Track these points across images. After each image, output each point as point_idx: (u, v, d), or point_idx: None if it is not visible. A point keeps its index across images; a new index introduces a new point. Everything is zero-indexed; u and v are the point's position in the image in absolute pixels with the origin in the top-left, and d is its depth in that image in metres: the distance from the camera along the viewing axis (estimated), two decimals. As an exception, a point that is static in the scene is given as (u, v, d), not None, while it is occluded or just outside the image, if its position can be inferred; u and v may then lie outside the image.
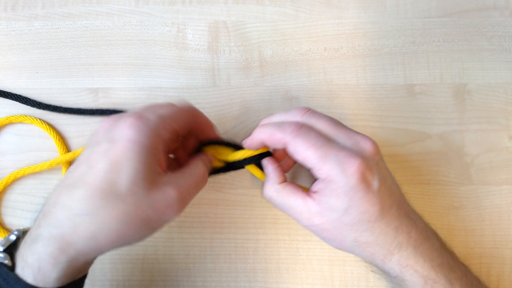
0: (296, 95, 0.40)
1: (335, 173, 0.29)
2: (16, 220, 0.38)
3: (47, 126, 0.39)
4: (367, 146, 0.30)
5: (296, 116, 0.31)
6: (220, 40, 0.41)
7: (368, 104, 0.40)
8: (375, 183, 0.29)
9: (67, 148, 0.39)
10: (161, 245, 0.38)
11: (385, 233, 0.30)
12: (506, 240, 0.38)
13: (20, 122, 0.39)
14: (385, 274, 0.32)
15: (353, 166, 0.28)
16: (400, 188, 0.32)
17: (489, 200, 0.39)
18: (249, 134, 0.39)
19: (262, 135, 0.31)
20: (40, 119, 0.39)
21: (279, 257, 0.38)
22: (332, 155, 0.29)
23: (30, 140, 0.39)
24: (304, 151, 0.29)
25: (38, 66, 0.40)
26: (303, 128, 0.30)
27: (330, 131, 0.30)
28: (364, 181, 0.29)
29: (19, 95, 0.39)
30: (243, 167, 0.34)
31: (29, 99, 0.39)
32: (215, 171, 0.34)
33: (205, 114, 0.39)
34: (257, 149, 0.33)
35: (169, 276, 0.38)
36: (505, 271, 0.38)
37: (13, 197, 0.39)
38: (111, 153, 0.26)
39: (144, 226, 0.27)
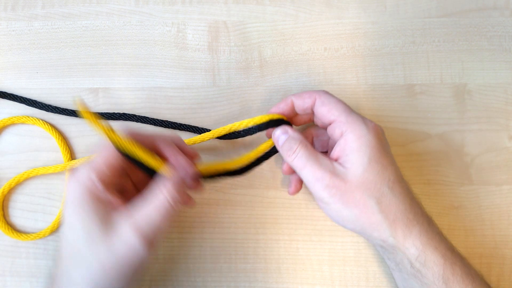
0: (296, 95, 0.40)
1: (358, 123, 0.31)
2: (17, 220, 0.38)
3: (49, 127, 0.39)
4: (371, 123, 0.32)
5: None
6: (220, 40, 0.41)
7: (368, 104, 0.40)
8: (387, 148, 0.32)
9: (69, 149, 0.39)
10: (161, 245, 0.38)
11: (404, 198, 0.31)
12: (506, 240, 0.38)
13: (22, 123, 0.39)
14: (403, 259, 0.31)
15: (372, 123, 0.32)
16: None
17: (489, 200, 0.39)
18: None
19: (292, 97, 0.34)
20: (41, 120, 0.39)
21: (279, 257, 0.38)
22: (354, 113, 0.32)
23: (30, 140, 0.39)
24: (334, 102, 0.33)
25: (38, 66, 0.40)
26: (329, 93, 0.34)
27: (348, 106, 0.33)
28: (380, 139, 0.31)
29: (20, 96, 0.39)
30: (253, 133, 0.35)
31: (30, 99, 0.39)
32: (219, 175, 0.34)
33: (205, 114, 0.40)
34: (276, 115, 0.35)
35: (169, 276, 0.38)
36: (505, 271, 0.38)
37: (14, 197, 0.39)
38: (64, 219, 0.28)
39: (118, 275, 0.27)
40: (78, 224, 0.26)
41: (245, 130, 0.35)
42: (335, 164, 0.32)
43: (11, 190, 0.39)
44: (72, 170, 0.28)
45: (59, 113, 0.39)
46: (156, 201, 0.27)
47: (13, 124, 0.39)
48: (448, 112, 0.40)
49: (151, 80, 0.40)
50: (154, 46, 0.41)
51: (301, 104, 0.34)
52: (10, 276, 0.38)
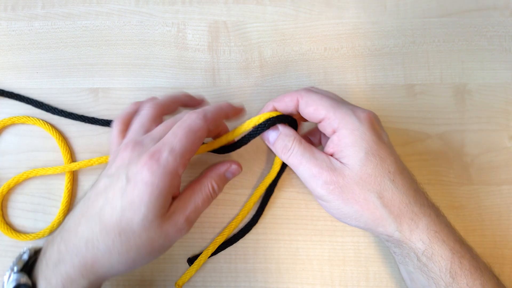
0: (296, 95, 0.40)
1: (349, 116, 0.30)
2: (16, 220, 0.38)
3: (49, 127, 0.39)
4: (363, 113, 0.31)
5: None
6: (220, 40, 0.41)
7: (368, 104, 0.40)
8: (384, 136, 0.31)
9: (69, 149, 0.39)
10: (161, 245, 0.38)
11: (407, 190, 0.30)
12: (506, 240, 0.38)
13: (23, 123, 0.39)
14: (409, 253, 0.31)
15: (363, 113, 0.31)
16: None
17: (489, 200, 0.39)
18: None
19: (273, 102, 0.33)
20: (42, 120, 0.39)
21: (279, 257, 0.38)
22: (342, 106, 0.31)
23: (30, 140, 0.39)
24: (318, 99, 0.31)
25: (38, 66, 0.40)
26: (313, 88, 0.33)
27: (335, 97, 0.33)
28: (375, 130, 0.30)
29: (21, 95, 0.39)
30: (257, 135, 0.33)
31: (31, 99, 0.39)
32: (224, 148, 0.34)
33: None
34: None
35: (169, 276, 0.38)
36: (505, 271, 0.38)
37: (14, 197, 0.39)
38: (127, 192, 0.27)
39: (157, 252, 0.30)
40: (145, 205, 0.27)
41: (245, 137, 0.34)
42: (332, 159, 0.31)
43: (10, 190, 0.39)
44: (154, 153, 0.28)
45: (59, 114, 0.39)
46: (203, 193, 0.31)
47: (13, 124, 0.39)
48: (448, 112, 0.40)
49: (151, 80, 0.40)
50: (154, 46, 0.41)
51: (284, 108, 0.33)
52: (10, 276, 0.38)
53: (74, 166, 0.38)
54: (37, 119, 0.39)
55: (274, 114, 0.33)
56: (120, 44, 0.41)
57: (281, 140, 0.32)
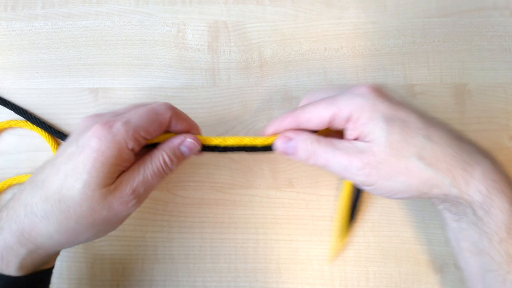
0: (296, 95, 0.40)
1: (351, 99, 0.29)
2: (16, 220, 0.38)
3: (45, 134, 0.39)
4: (362, 88, 0.30)
5: None
6: (220, 40, 0.41)
7: (368, 104, 0.40)
8: (395, 100, 0.29)
9: None
10: (161, 245, 0.38)
11: (448, 140, 0.28)
12: (506, 240, 0.38)
13: (20, 127, 0.39)
14: (466, 209, 0.28)
15: (363, 88, 0.29)
16: None
17: (489, 200, 0.39)
18: (249, 134, 0.39)
19: (272, 129, 0.32)
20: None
21: (279, 257, 0.38)
22: (340, 96, 0.30)
23: (30, 141, 0.39)
24: (315, 108, 0.30)
25: (38, 66, 0.40)
26: (305, 100, 0.32)
27: (328, 93, 0.31)
28: (383, 96, 0.29)
29: (16, 105, 0.39)
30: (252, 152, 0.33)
31: (26, 111, 0.39)
32: (212, 148, 0.32)
33: (205, 114, 0.40)
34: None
35: (169, 276, 0.38)
36: (505, 271, 0.38)
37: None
38: (73, 158, 0.27)
39: (101, 225, 0.28)
40: (88, 171, 0.26)
41: (245, 148, 0.32)
42: (355, 142, 0.29)
43: (9, 190, 0.39)
44: (108, 121, 0.27)
45: (47, 130, 0.39)
46: (154, 165, 0.29)
47: (11, 127, 0.39)
48: (448, 112, 0.40)
49: (151, 80, 0.40)
50: (154, 46, 0.41)
51: (281, 128, 0.32)
52: (10, 276, 0.38)
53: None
54: (34, 124, 0.39)
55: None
56: (120, 44, 0.41)
57: (302, 150, 0.30)
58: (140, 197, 0.29)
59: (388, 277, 0.38)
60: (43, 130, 0.39)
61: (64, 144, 0.29)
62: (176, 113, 0.31)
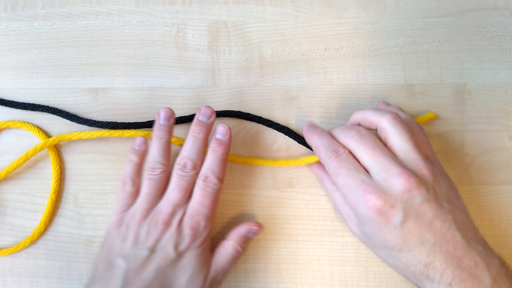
0: (296, 95, 0.40)
1: (355, 203, 0.32)
2: (16, 220, 0.38)
3: (44, 135, 0.39)
4: (396, 183, 0.30)
5: (346, 133, 0.34)
6: (220, 40, 0.41)
7: (368, 104, 0.40)
8: (397, 219, 0.30)
9: (59, 159, 0.39)
10: (161, 245, 0.38)
11: (413, 265, 0.31)
12: (506, 240, 0.38)
13: (18, 128, 0.39)
14: None
15: (369, 201, 0.30)
16: (463, 222, 0.31)
17: (489, 200, 0.39)
18: (249, 134, 0.39)
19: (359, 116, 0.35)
20: (37, 126, 0.39)
21: (279, 257, 0.38)
22: (353, 187, 0.31)
23: (29, 141, 0.39)
24: (335, 177, 0.33)
25: (38, 66, 0.40)
26: (343, 155, 0.33)
27: (369, 159, 0.32)
28: (382, 215, 0.30)
29: (12, 101, 0.39)
30: None
31: (21, 103, 0.39)
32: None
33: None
34: None
35: (169, 276, 0.38)
36: (505, 271, 0.38)
37: (13, 197, 0.39)
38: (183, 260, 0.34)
39: None
40: (190, 271, 0.33)
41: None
42: (353, 217, 0.35)
43: (10, 190, 0.39)
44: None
45: (55, 113, 0.39)
46: (230, 257, 0.35)
47: (8, 128, 0.39)
48: (448, 112, 0.40)
49: (151, 80, 0.40)
50: (154, 46, 0.41)
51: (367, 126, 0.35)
52: (10, 276, 0.38)
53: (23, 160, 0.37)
54: (32, 125, 0.39)
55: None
56: (120, 44, 0.41)
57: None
58: (221, 282, 0.35)
59: (388, 277, 0.38)
60: (40, 130, 0.39)
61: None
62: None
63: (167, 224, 0.33)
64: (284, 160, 0.38)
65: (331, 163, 0.33)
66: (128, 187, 0.35)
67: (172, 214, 0.33)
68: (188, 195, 0.34)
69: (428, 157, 0.33)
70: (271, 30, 0.41)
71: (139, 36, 0.41)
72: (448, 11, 0.41)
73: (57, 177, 0.38)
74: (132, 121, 0.39)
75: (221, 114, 0.39)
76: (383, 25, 0.41)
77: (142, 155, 0.36)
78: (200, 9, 0.41)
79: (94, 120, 0.38)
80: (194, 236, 0.33)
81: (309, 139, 0.36)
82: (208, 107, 0.35)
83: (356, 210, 0.32)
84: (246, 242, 0.36)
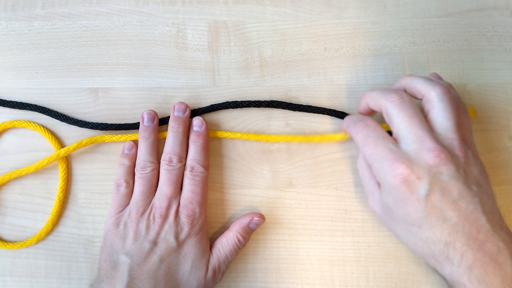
0: (296, 95, 0.40)
1: (381, 172, 0.32)
2: (16, 220, 0.38)
3: (50, 134, 0.39)
4: (428, 157, 0.30)
5: (386, 96, 0.33)
6: (220, 40, 0.41)
7: (368, 104, 0.40)
8: (422, 191, 0.30)
9: (65, 158, 0.39)
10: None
11: (432, 243, 0.30)
12: (506, 240, 0.38)
13: (24, 128, 0.39)
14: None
15: (396, 170, 0.31)
16: (489, 207, 0.31)
17: (489, 200, 0.39)
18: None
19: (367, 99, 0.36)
20: (43, 126, 0.39)
21: (279, 257, 0.38)
22: (381, 156, 0.32)
23: (31, 141, 0.39)
24: (362, 147, 0.33)
25: (38, 66, 0.40)
26: (371, 125, 0.33)
27: (405, 128, 0.32)
28: (407, 185, 0.30)
29: (16, 102, 0.39)
30: None
31: (26, 103, 0.39)
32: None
33: (205, 114, 0.40)
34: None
35: (169, 276, 0.38)
36: (505, 271, 0.38)
37: (14, 197, 0.39)
38: (183, 251, 0.36)
39: None
40: (192, 257, 0.35)
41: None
42: (376, 190, 0.35)
43: (10, 190, 0.39)
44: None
45: (58, 118, 0.39)
46: (231, 246, 0.36)
47: (14, 127, 0.39)
48: (448, 112, 0.40)
49: (151, 80, 0.40)
50: (154, 46, 0.41)
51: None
52: (10, 276, 0.38)
53: (49, 159, 0.38)
54: (38, 124, 0.39)
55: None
56: (120, 44, 0.41)
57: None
58: (224, 272, 0.36)
59: (388, 277, 0.38)
60: (46, 130, 0.39)
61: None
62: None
63: (165, 216, 0.35)
64: (308, 136, 0.38)
65: (359, 134, 0.33)
66: (122, 189, 0.36)
67: (168, 207, 0.35)
68: (179, 187, 0.36)
69: (466, 140, 0.33)
70: (271, 30, 0.41)
71: (139, 36, 0.41)
72: (448, 11, 0.41)
73: (64, 176, 0.38)
74: (132, 121, 0.39)
75: (221, 106, 0.39)
76: (383, 25, 0.41)
77: (132, 158, 0.37)
78: (200, 9, 0.41)
79: (84, 121, 0.39)
80: (192, 224, 0.35)
81: (341, 125, 0.37)
82: (182, 102, 0.38)
83: (382, 179, 0.32)
84: (248, 233, 0.37)
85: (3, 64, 0.40)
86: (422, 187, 0.30)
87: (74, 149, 0.37)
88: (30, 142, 0.39)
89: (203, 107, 0.39)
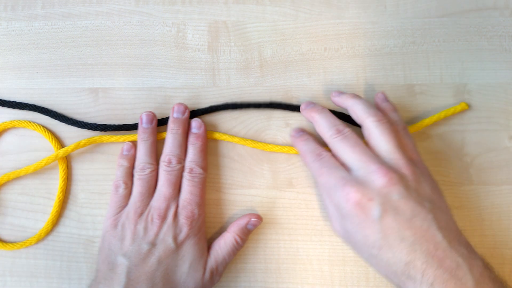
0: (296, 95, 0.40)
1: (336, 199, 0.32)
2: (16, 220, 0.38)
3: (50, 134, 0.39)
4: (376, 179, 0.31)
5: (330, 133, 0.35)
6: (220, 40, 0.41)
7: (368, 104, 0.40)
8: (375, 212, 0.31)
9: (65, 158, 0.38)
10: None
11: (393, 264, 0.30)
12: (506, 240, 0.38)
13: (24, 127, 0.39)
14: None
15: (347, 194, 0.31)
16: (445, 223, 0.31)
17: (489, 200, 0.39)
18: (249, 134, 0.39)
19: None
20: (42, 126, 0.39)
21: (279, 257, 0.38)
22: (333, 183, 0.33)
23: (31, 141, 0.39)
24: (318, 177, 0.34)
25: (38, 66, 0.40)
26: (325, 157, 0.34)
27: (349, 157, 0.33)
28: (360, 208, 0.31)
29: (16, 102, 0.39)
30: None
31: (26, 104, 0.39)
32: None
33: (205, 114, 0.40)
34: None
35: (169, 276, 0.38)
36: (505, 271, 0.38)
37: (14, 197, 0.39)
38: (181, 252, 0.36)
39: None
40: (190, 258, 0.35)
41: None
42: (336, 215, 0.34)
43: (11, 190, 0.39)
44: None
45: (58, 119, 0.39)
46: (229, 248, 0.36)
47: (14, 127, 0.39)
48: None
49: (151, 80, 0.40)
50: (154, 46, 0.41)
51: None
52: (10, 276, 0.38)
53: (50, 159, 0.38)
54: (38, 124, 0.39)
55: None
56: (120, 44, 0.41)
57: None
58: (221, 273, 0.36)
59: (388, 277, 0.38)
60: (46, 130, 0.39)
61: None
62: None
63: (163, 218, 0.35)
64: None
65: (314, 165, 0.34)
66: (121, 190, 0.36)
67: (167, 208, 0.35)
68: (177, 188, 0.36)
69: (412, 159, 0.34)
70: (271, 30, 0.41)
71: (139, 36, 0.41)
72: (448, 11, 0.41)
73: (64, 176, 0.38)
74: (132, 121, 0.39)
75: (220, 108, 0.39)
76: (383, 25, 0.41)
77: (131, 159, 0.37)
78: (200, 9, 0.41)
79: (83, 122, 0.39)
80: (191, 225, 0.35)
81: (295, 144, 0.37)
82: (181, 104, 0.38)
83: (337, 206, 0.32)
84: (245, 233, 0.37)
85: (3, 64, 0.40)
86: (374, 208, 0.30)
87: (73, 150, 0.37)
88: (30, 142, 0.39)
89: (202, 108, 0.39)
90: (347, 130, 0.34)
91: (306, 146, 0.36)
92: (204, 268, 0.35)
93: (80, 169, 0.39)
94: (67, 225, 0.38)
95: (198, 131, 0.38)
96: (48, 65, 0.40)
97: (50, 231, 0.38)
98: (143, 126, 0.37)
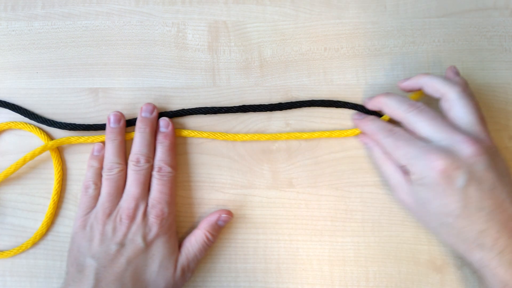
0: (296, 95, 0.40)
1: (418, 168, 0.32)
2: (16, 220, 0.38)
3: (45, 136, 0.38)
4: (463, 148, 0.31)
5: (403, 108, 0.34)
6: (220, 40, 0.41)
7: (368, 104, 0.40)
8: (460, 181, 0.31)
9: (61, 160, 0.39)
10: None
11: (467, 232, 0.31)
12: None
13: (20, 129, 0.39)
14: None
15: (433, 162, 0.31)
16: None
17: (489, 200, 0.39)
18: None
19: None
20: (38, 128, 0.39)
21: (279, 257, 0.38)
22: (416, 153, 0.32)
23: (30, 141, 0.39)
24: (394, 150, 0.34)
25: (38, 66, 0.40)
26: (398, 132, 0.35)
27: (430, 129, 0.33)
28: (446, 177, 0.31)
29: (16, 105, 0.39)
30: None
31: (27, 110, 0.39)
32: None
33: (205, 114, 0.39)
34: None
35: (169, 276, 0.38)
36: None
37: (13, 197, 0.39)
38: (156, 250, 0.36)
39: None
40: (160, 257, 0.35)
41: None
42: (404, 183, 0.35)
43: (11, 190, 0.39)
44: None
45: (52, 126, 0.39)
46: (200, 244, 0.36)
47: (10, 129, 0.39)
48: (448, 112, 0.40)
49: (151, 80, 0.40)
50: (154, 46, 0.41)
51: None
52: (10, 276, 0.38)
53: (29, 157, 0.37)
54: (34, 126, 0.39)
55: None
56: (120, 44, 0.41)
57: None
58: (193, 270, 0.36)
59: (388, 277, 0.38)
60: (42, 132, 0.39)
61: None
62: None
63: (132, 218, 0.34)
64: (329, 132, 0.39)
65: (388, 140, 0.34)
66: (91, 191, 0.36)
67: (135, 208, 0.35)
68: (146, 188, 0.36)
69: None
70: (271, 30, 0.41)
71: (139, 36, 0.41)
72: (448, 11, 0.41)
73: (59, 178, 0.38)
74: (132, 121, 0.39)
75: (192, 112, 0.39)
76: (383, 25, 0.41)
77: (102, 160, 0.37)
78: (200, 9, 0.41)
79: (75, 124, 0.39)
80: (161, 223, 0.35)
81: (361, 125, 0.38)
82: (149, 103, 0.38)
83: (419, 174, 0.32)
84: (216, 230, 0.37)
85: (3, 64, 0.40)
86: (460, 177, 0.31)
87: (40, 153, 0.37)
88: (29, 142, 0.39)
89: (174, 111, 0.39)
90: (420, 103, 0.34)
91: (375, 124, 0.36)
92: (175, 266, 0.35)
93: (80, 169, 0.39)
94: (67, 225, 0.38)
95: (166, 130, 0.37)
96: (48, 65, 0.40)
97: (46, 232, 0.38)
98: (111, 126, 0.37)
